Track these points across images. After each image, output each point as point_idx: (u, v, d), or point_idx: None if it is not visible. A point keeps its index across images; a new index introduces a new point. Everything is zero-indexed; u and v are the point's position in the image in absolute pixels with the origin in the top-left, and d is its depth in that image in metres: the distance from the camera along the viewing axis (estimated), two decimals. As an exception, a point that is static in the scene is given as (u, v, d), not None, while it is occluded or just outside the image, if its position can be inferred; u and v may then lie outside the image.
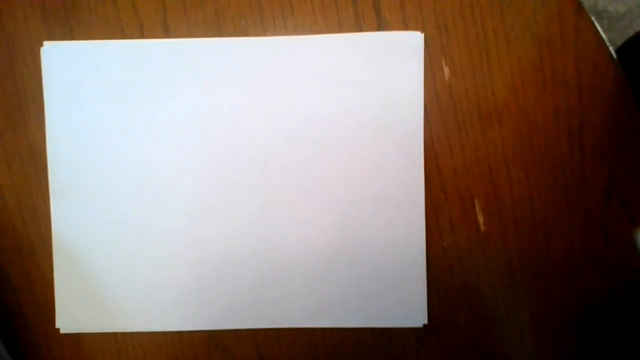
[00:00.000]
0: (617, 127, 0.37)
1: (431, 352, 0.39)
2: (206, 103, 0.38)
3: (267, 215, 0.38)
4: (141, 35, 0.38)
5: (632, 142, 0.37)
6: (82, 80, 0.38)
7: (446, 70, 0.37)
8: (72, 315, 0.39)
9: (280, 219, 0.38)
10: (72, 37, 0.38)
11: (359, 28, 0.37)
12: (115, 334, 0.39)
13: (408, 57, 0.37)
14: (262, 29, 0.38)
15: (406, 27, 0.37)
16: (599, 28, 0.36)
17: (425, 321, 0.38)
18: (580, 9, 0.36)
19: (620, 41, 0.52)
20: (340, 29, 0.37)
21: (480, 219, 0.38)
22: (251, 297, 0.38)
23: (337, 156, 0.38)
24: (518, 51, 0.37)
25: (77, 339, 0.39)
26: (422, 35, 0.37)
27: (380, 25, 0.37)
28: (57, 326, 0.39)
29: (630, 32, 0.91)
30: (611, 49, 0.37)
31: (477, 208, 0.38)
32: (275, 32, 0.38)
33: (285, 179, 0.38)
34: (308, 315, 0.38)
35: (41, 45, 0.38)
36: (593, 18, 0.36)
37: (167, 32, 0.38)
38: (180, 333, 0.39)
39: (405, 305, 0.38)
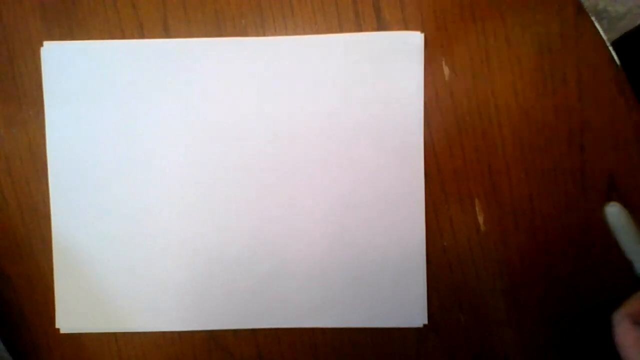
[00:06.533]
0: (617, 127, 0.37)
1: (431, 352, 0.39)
2: (206, 103, 0.38)
3: (267, 216, 0.38)
4: (141, 35, 0.38)
5: (632, 142, 0.37)
6: (82, 80, 0.38)
7: (446, 70, 0.37)
8: (72, 315, 0.39)
9: (280, 219, 0.38)
10: (72, 37, 0.38)
11: (359, 28, 0.37)
12: (115, 334, 0.39)
13: (408, 57, 0.37)
14: (262, 29, 0.38)
15: (406, 27, 0.37)
16: (599, 28, 0.36)
17: (425, 321, 0.38)
18: (580, 9, 0.36)
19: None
20: (340, 29, 0.37)
21: (480, 219, 0.38)
22: (251, 297, 0.38)
23: (337, 156, 0.37)
24: (518, 51, 0.37)
25: (77, 339, 0.39)
26: (422, 35, 0.37)
27: (380, 25, 0.37)
28: (57, 326, 0.39)
29: (630, 32, 0.91)
30: (611, 49, 0.37)
31: (477, 208, 0.38)
32: (275, 32, 0.38)
33: (285, 178, 0.38)
34: (308, 315, 0.38)
35: (41, 45, 0.38)
36: (593, 18, 0.36)
37: (167, 32, 0.38)
38: (180, 333, 0.39)
39: (405, 305, 0.38)
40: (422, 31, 0.37)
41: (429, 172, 0.38)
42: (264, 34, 0.38)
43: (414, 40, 0.37)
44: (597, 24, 0.36)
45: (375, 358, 0.39)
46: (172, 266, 0.38)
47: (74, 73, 0.38)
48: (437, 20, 0.37)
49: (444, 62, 0.37)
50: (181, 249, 0.38)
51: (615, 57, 0.37)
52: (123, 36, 0.38)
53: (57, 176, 0.38)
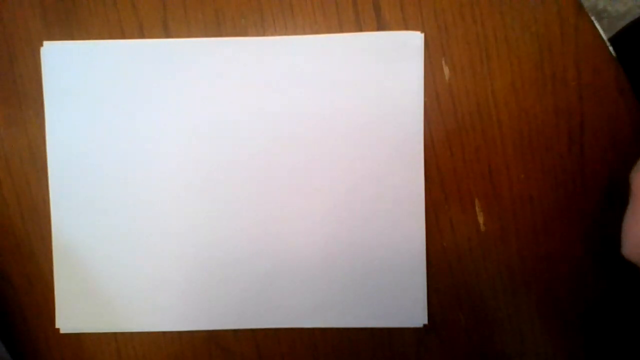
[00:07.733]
0: (617, 127, 0.37)
1: (431, 352, 0.39)
2: (206, 103, 0.38)
3: (267, 216, 0.38)
4: (141, 35, 0.38)
5: (632, 142, 0.37)
6: (82, 80, 0.38)
7: (446, 70, 0.37)
8: (72, 315, 0.39)
9: (280, 219, 0.38)
10: (72, 37, 0.38)
11: (359, 28, 0.37)
12: (115, 334, 0.39)
13: (408, 57, 0.37)
14: (262, 29, 0.38)
15: (406, 27, 0.37)
16: (599, 28, 0.36)
17: (425, 321, 0.38)
18: (580, 9, 0.36)
19: (620, 41, 0.51)
20: (340, 29, 0.37)
21: (480, 219, 0.38)
22: (251, 297, 0.38)
23: (337, 156, 0.38)
24: (518, 51, 0.37)
25: (77, 339, 0.39)
26: (422, 35, 0.37)
27: (380, 25, 0.37)
28: (57, 326, 0.39)
29: (630, 32, 0.91)
30: (611, 49, 0.37)
31: (477, 208, 0.38)
32: (275, 32, 0.38)
33: (285, 179, 0.38)
34: (308, 315, 0.38)
35: (41, 45, 0.38)
36: (593, 18, 0.36)
37: (167, 32, 0.38)
38: (180, 333, 0.39)
39: (405, 305, 0.38)
40: (422, 31, 0.37)
41: (429, 172, 0.38)
42: (264, 34, 0.38)
43: (414, 40, 0.37)
44: (597, 24, 0.36)
45: (375, 358, 0.39)
46: (172, 266, 0.38)
47: (74, 73, 0.38)
48: (437, 20, 0.37)
49: (444, 62, 0.37)
50: (181, 249, 0.38)
51: (615, 56, 0.37)
52: (123, 36, 0.38)
53: (57, 176, 0.38)
